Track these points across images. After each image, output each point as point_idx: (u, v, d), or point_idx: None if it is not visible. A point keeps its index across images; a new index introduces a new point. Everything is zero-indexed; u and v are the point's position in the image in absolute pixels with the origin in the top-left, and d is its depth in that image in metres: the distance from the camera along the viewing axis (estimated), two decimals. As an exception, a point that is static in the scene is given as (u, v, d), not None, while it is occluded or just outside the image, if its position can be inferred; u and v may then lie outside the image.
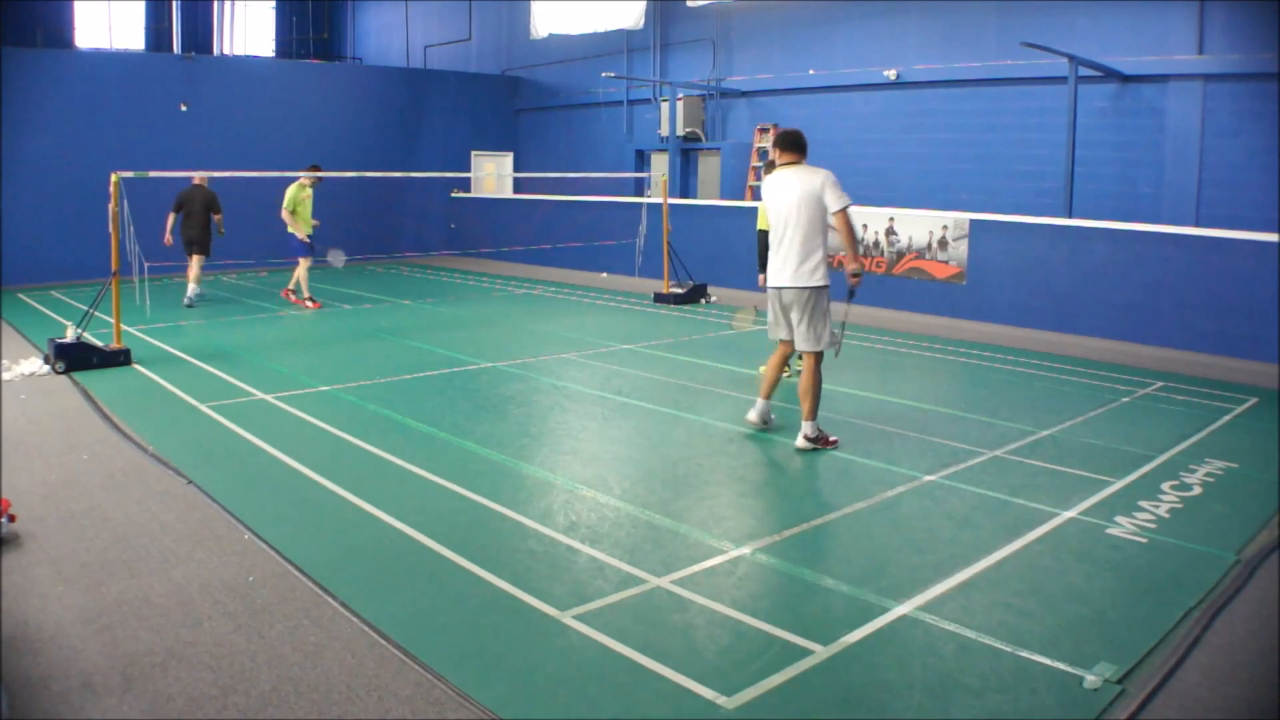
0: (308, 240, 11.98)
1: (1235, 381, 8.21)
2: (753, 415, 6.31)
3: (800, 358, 6.11)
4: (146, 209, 9.64)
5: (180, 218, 12.02)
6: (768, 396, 6.30)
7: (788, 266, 5.87)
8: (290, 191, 11.85)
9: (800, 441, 5.94)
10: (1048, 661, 3.35)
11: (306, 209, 11.96)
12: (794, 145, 5.93)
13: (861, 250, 12.33)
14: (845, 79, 14.91)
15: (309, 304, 12.19)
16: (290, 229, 11.90)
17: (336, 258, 12.84)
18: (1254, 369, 8.65)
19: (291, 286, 12.49)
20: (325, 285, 14.19)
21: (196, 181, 12.17)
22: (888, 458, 5.83)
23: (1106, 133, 12.17)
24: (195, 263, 12.22)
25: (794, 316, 5.94)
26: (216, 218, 12.27)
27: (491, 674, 3.26)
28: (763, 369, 8.35)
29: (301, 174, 12.01)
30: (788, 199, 5.83)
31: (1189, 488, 5.31)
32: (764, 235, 8.23)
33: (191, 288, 12.34)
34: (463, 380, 8.04)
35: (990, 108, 13.28)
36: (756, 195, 15.52)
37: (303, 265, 12.19)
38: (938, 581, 4.01)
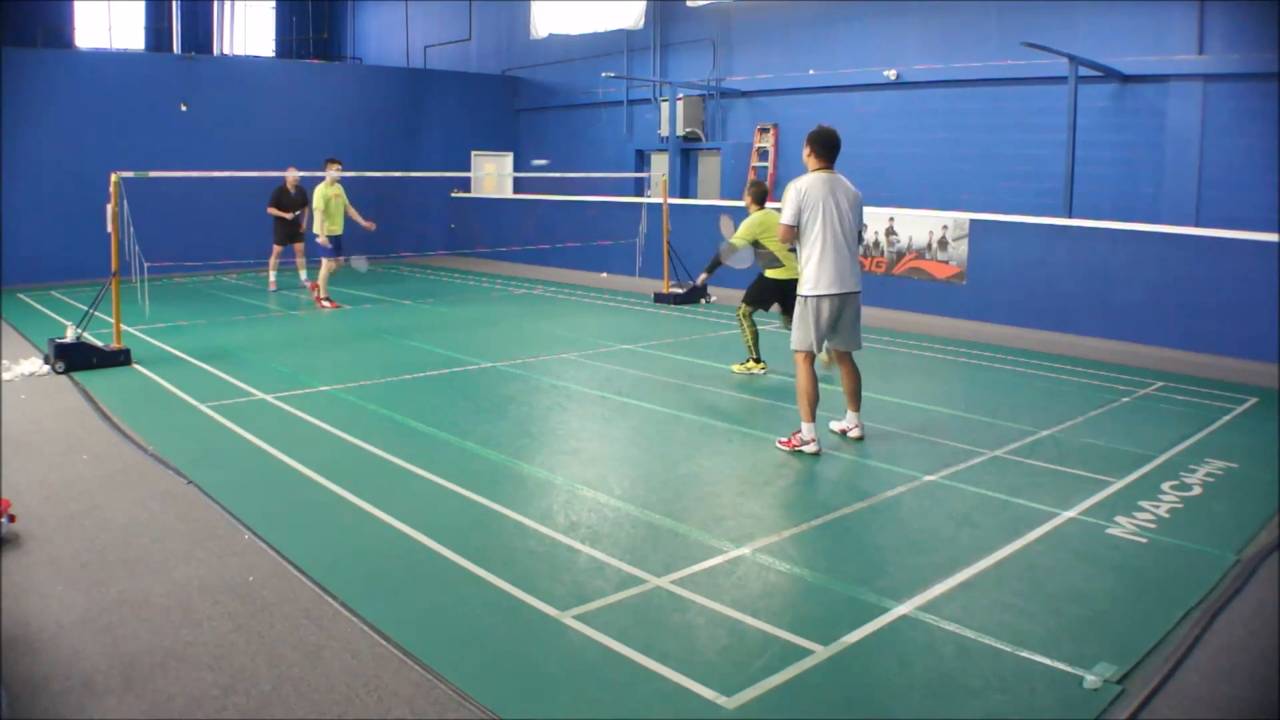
0: (328, 242, 12.10)
1: (1235, 381, 8.21)
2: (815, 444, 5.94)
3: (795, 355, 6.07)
4: (146, 209, 9.64)
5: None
6: (815, 416, 5.95)
7: (848, 272, 5.85)
8: (318, 190, 12.04)
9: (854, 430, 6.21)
10: (1048, 661, 3.35)
11: (336, 207, 12.13)
12: (836, 150, 5.92)
13: (862, 250, 12.45)
14: (845, 79, 14.91)
15: (325, 304, 12.23)
16: (314, 228, 12.07)
17: (359, 262, 13.09)
18: (1254, 369, 8.65)
19: (319, 281, 12.53)
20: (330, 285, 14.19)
21: (292, 181, 13.38)
22: (888, 458, 5.83)
23: (1106, 133, 12.17)
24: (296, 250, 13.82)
25: (848, 318, 5.94)
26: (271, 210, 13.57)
27: (491, 674, 3.26)
28: (751, 368, 8.35)
29: (329, 172, 12.17)
30: (846, 203, 5.86)
31: (1189, 488, 5.31)
32: (733, 249, 8.21)
33: (303, 274, 13.89)
34: (463, 380, 8.04)
35: (990, 108, 13.28)
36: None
37: (325, 266, 12.29)
38: (938, 581, 4.01)
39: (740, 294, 8.49)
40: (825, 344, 6.02)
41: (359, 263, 13.16)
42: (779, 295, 8.13)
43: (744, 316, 8.33)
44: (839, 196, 5.85)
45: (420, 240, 19.06)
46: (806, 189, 5.81)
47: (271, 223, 13.59)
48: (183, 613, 3.70)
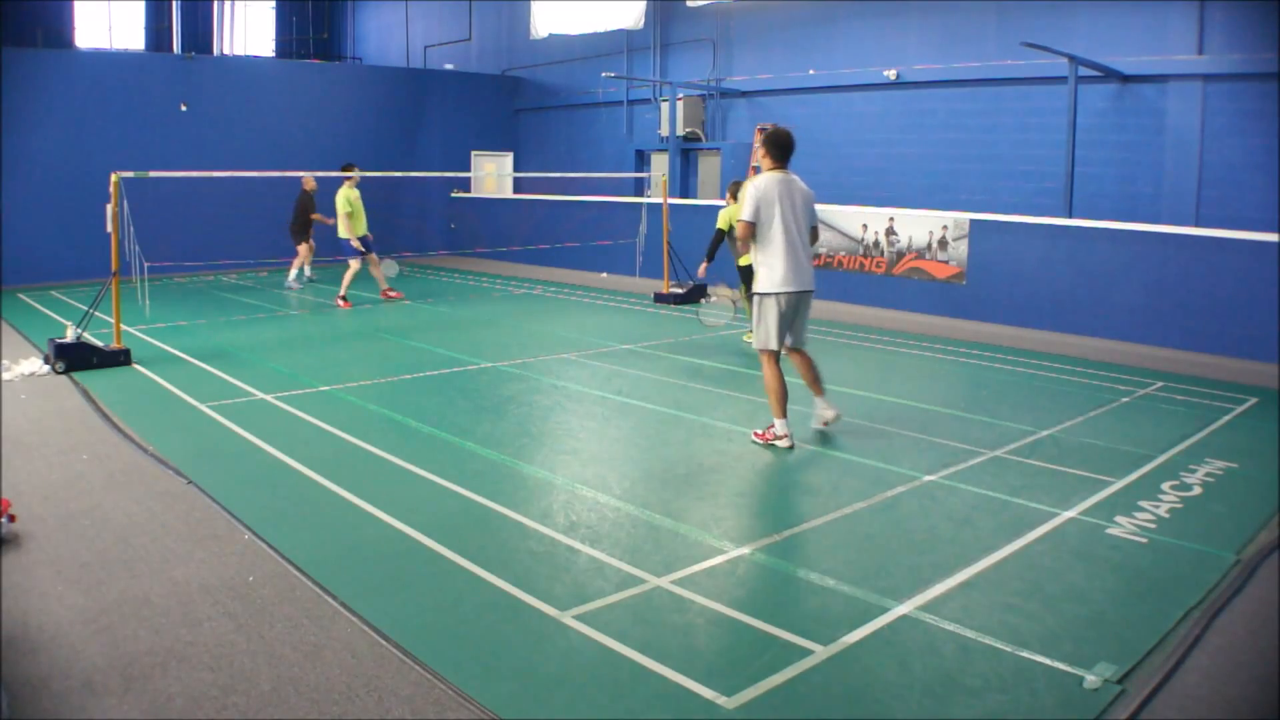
0: (360, 243, 12.30)
1: (1235, 381, 8.21)
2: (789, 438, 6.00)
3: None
4: (146, 209, 9.64)
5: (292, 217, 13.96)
6: (785, 411, 6.01)
7: (805, 269, 5.96)
8: (342, 193, 12.16)
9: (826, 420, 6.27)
10: (1048, 661, 3.35)
11: (360, 206, 12.35)
12: (790, 151, 6.03)
13: (862, 250, 12.49)
14: (845, 79, 14.91)
15: (341, 302, 12.35)
16: (343, 233, 12.20)
17: (389, 268, 13.25)
18: (1254, 369, 8.65)
19: (345, 280, 12.62)
20: (329, 286, 14.20)
21: (307, 186, 13.97)
22: (888, 458, 5.83)
23: (1106, 133, 12.17)
24: (304, 251, 14.16)
25: (802, 314, 6.06)
26: (314, 216, 13.96)
27: (491, 674, 3.26)
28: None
29: (348, 174, 12.36)
30: (800, 202, 5.94)
31: (1189, 488, 5.31)
32: (721, 234, 9.05)
33: (293, 272, 14.25)
34: (463, 380, 8.04)
35: (990, 108, 13.28)
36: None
37: (353, 266, 12.44)
38: (938, 581, 4.01)
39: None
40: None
41: (389, 269, 13.30)
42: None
43: (744, 297, 9.16)
44: (794, 196, 5.96)
45: (420, 240, 19.05)
46: (764, 188, 5.92)
47: (296, 222, 13.97)
48: (183, 613, 3.70)
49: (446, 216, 19.70)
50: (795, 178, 6.06)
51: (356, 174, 12.33)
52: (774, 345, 6.00)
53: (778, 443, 5.96)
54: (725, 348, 9.53)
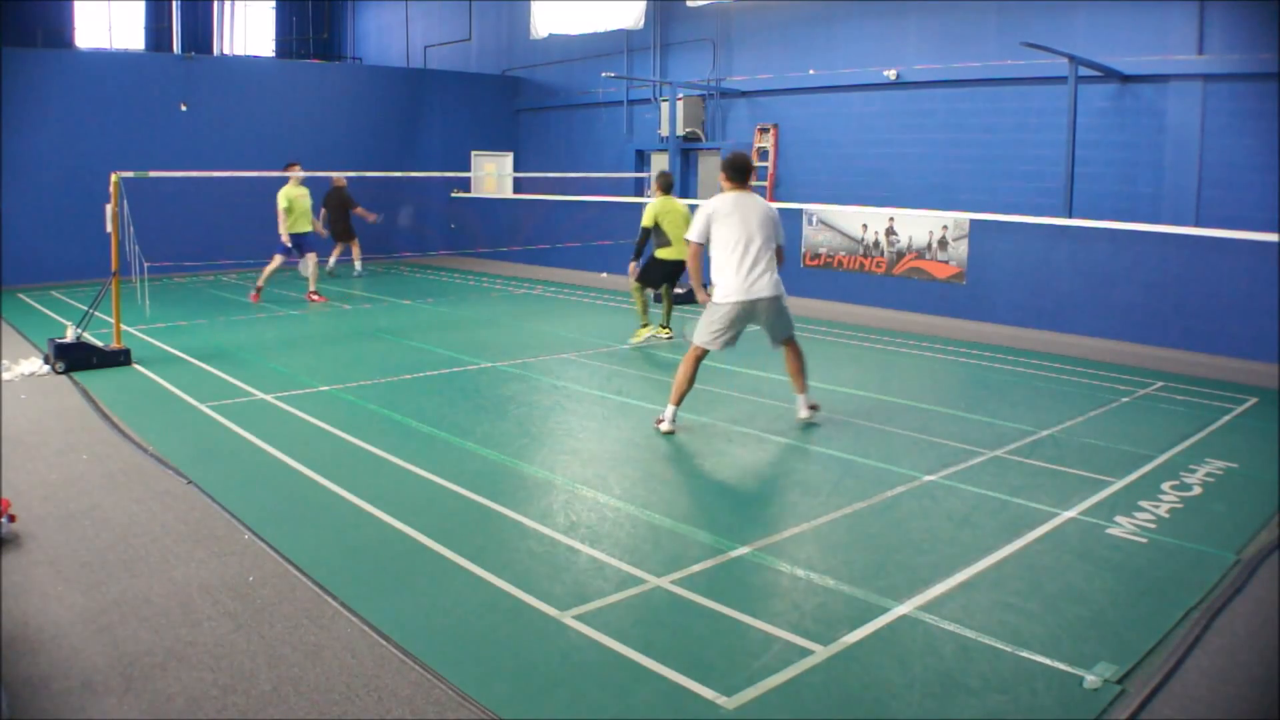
0: (289, 240, 12.39)
1: (1235, 381, 8.21)
2: (669, 424, 6.38)
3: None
4: (146, 209, 9.64)
5: (328, 215, 14.49)
6: (680, 402, 6.41)
7: (765, 279, 6.20)
8: (286, 192, 12.26)
9: (805, 413, 6.55)
10: (1048, 661, 3.35)
11: (302, 207, 12.42)
12: (748, 173, 6.46)
13: (862, 250, 12.50)
14: (845, 79, 14.90)
15: (255, 296, 12.51)
16: (280, 229, 12.29)
17: (306, 267, 13.22)
18: (1254, 369, 8.65)
19: (312, 287, 12.68)
20: (326, 286, 14.19)
21: (337, 183, 14.60)
22: (888, 458, 5.83)
23: (1106, 133, 12.17)
24: (352, 248, 15.15)
25: (763, 320, 6.31)
26: (357, 210, 14.71)
27: (491, 674, 3.26)
28: (641, 334, 9.47)
29: (294, 173, 12.51)
30: (755, 218, 6.22)
31: (1189, 488, 5.31)
32: (647, 232, 9.26)
33: (357, 266, 15.46)
34: (463, 380, 8.05)
35: (990, 108, 13.27)
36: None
37: (274, 262, 12.52)
38: (938, 581, 4.01)
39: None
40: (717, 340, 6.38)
41: (306, 267, 13.23)
42: (667, 274, 9.41)
43: (635, 290, 9.55)
44: (747, 213, 6.23)
45: (420, 240, 19.05)
46: (716, 207, 6.28)
47: (338, 221, 14.63)
48: (183, 613, 3.70)
49: (446, 216, 19.68)
50: (753, 196, 6.41)
51: (299, 172, 12.44)
52: (709, 347, 6.30)
53: (659, 427, 6.31)
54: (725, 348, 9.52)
